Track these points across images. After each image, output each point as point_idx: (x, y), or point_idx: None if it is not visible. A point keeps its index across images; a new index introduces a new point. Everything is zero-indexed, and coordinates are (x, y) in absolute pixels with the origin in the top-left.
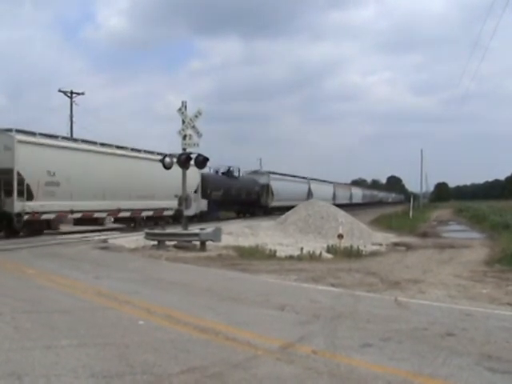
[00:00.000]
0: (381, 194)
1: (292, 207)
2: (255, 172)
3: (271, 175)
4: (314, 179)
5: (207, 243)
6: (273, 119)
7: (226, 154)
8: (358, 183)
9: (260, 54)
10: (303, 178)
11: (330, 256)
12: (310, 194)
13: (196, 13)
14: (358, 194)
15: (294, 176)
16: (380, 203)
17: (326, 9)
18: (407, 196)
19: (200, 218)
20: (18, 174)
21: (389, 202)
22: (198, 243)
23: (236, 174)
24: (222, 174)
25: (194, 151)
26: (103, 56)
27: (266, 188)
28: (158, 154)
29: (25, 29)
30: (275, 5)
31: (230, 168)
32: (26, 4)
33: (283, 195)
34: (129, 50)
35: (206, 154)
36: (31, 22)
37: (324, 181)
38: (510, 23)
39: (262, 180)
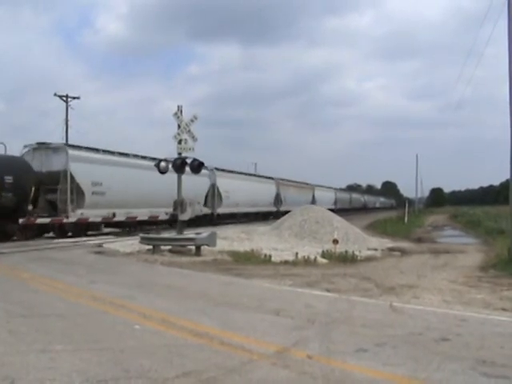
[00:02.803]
0: (365, 198)
1: (256, 214)
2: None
3: (218, 172)
4: (284, 180)
5: (202, 248)
6: (270, 124)
7: (223, 158)
8: (354, 188)
9: (258, 60)
10: (270, 178)
11: (325, 261)
12: (278, 200)
13: (194, 19)
14: (326, 197)
15: (254, 175)
16: (364, 209)
17: (323, 15)
18: (402, 201)
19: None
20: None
21: (375, 208)
22: (193, 248)
23: None
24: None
25: (190, 156)
26: (101, 61)
27: (212, 189)
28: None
29: (24, 34)
30: (273, 11)
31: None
32: (25, 9)
33: (236, 199)
34: (127, 56)
35: (202, 159)
36: (30, 27)
37: (298, 182)
38: (505, 30)
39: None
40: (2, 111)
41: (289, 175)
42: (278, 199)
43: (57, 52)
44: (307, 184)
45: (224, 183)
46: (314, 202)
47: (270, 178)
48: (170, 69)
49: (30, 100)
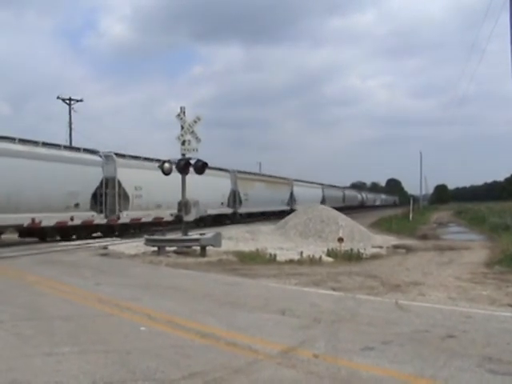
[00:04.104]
0: (363, 196)
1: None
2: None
3: (119, 160)
4: (245, 173)
5: (207, 248)
6: (273, 124)
7: (227, 158)
8: (358, 186)
9: (261, 60)
10: (224, 170)
11: (330, 259)
12: (235, 197)
13: (197, 20)
14: (310, 194)
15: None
16: (362, 208)
17: (326, 15)
18: (406, 198)
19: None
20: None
21: (375, 206)
22: (198, 248)
23: None
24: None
25: (193, 156)
26: (105, 63)
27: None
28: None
29: (28, 37)
30: (276, 11)
31: None
32: (29, 12)
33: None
34: (131, 58)
35: (206, 159)
36: (35, 30)
37: (265, 175)
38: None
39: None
40: (7, 115)
41: (292, 174)
42: (234, 198)
43: (61, 55)
44: (283, 179)
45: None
46: (291, 200)
47: (225, 170)
48: (174, 70)
49: (34, 103)
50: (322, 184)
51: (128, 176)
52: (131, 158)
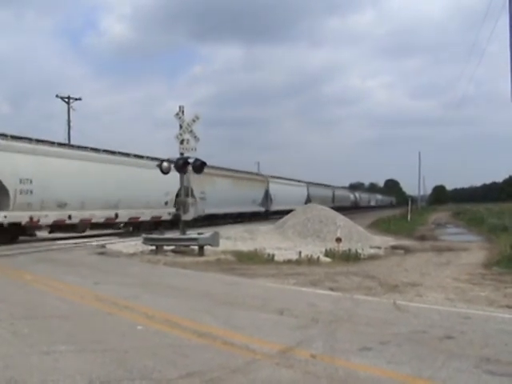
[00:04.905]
0: (356, 195)
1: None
2: None
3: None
4: (218, 168)
5: (205, 248)
6: (272, 124)
7: (225, 158)
8: (356, 186)
9: (260, 60)
10: (169, 161)
11: (328, 260)
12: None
13: (197, 19)
14: (290, 192)
15: (141, 157)
16: (355, 208)
17: (325, 15)
18: (404, 199)
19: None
20: None
21: (370, 207)
22: (196, 248)
23: None
24: None
25: (192, 156)
26: (105, 62)
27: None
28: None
29: (28, 36)
30: (275, 11)
31: None
32: (29, 12)
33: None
34: (130, 57)
35: (204, 159)
36: (35, 30)
37: (233, 170)
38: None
39: None
40: (7, 113)
41: (292, 174)
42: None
43: (61, 54)
44: (256, 174)
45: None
46: (267, 200)
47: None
48: (173, 69)
49: (34, 102)
50: (307, 182)
51: (8, 164)
52: (15, 139)
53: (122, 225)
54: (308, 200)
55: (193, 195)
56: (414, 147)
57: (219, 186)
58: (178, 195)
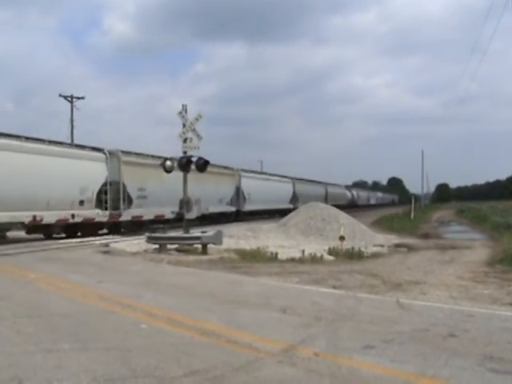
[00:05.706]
0: (353, 193)
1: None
2: None
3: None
4: (133, 154)
5: (209, 246)
6: (275, 122)
7: (228, 156)
8: (359, 185)
9: (263, 58)
10: (98, 149)
11: (331, 258)
12: (120, 193)
13: (200, 18)
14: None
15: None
16: (352, 207)
17: (328, 13)
18: (407, 197)
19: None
20: None
21: (370, 205)
22: (199, 246)
23: None
24: None
25: (195, 154)
26: (108, 61)
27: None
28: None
29: (32, 35)
30: (278, 10)
31: None
32: (32, 11)
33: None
34: (133, 55)
35: (207, 157)
36: (38, 29)
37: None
38: (510, 25)
39: None
40: (10, 112)
41: (293, 172)
42: (116, 195)
43: (64, 53)
44: (225, 168)
45: None
46: (238, 198)
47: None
48: (176, 68)
49: (37, 100)
50: (292, 178)
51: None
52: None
53: None
54: (294, 198)
55: (128, 194)
56: (417, 145)
57: (169, 181)
58: (100, 192)
